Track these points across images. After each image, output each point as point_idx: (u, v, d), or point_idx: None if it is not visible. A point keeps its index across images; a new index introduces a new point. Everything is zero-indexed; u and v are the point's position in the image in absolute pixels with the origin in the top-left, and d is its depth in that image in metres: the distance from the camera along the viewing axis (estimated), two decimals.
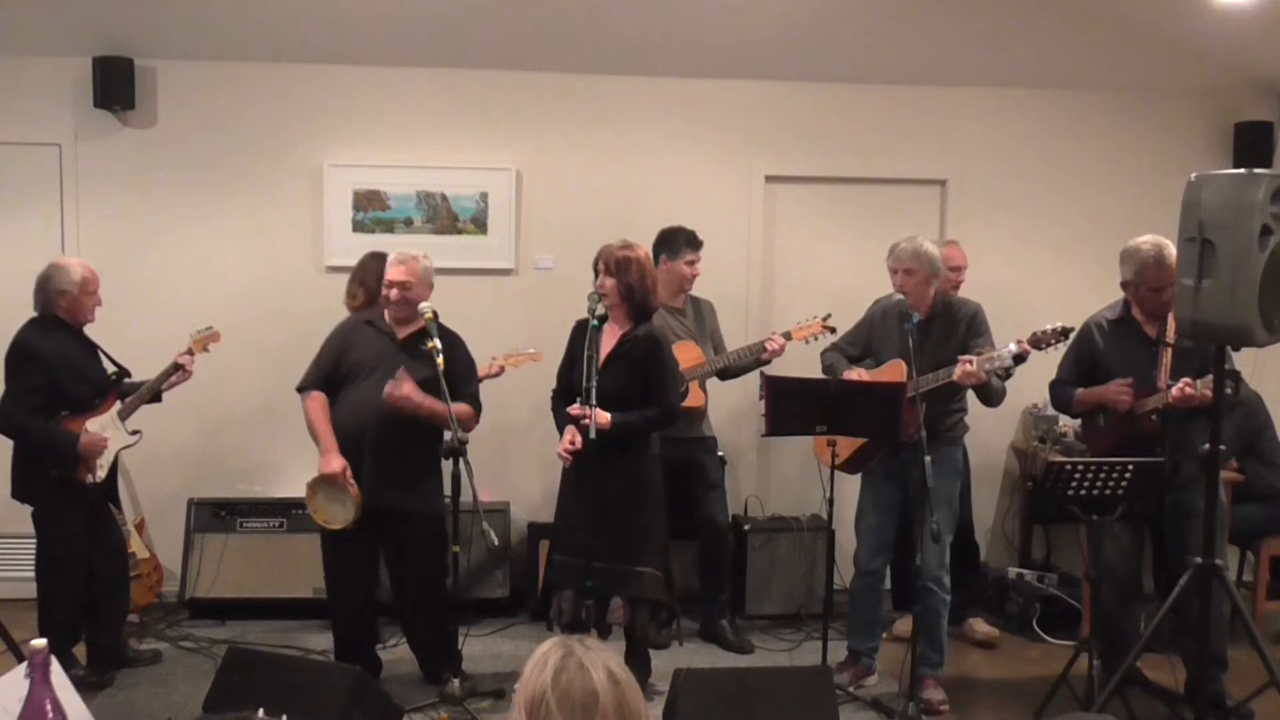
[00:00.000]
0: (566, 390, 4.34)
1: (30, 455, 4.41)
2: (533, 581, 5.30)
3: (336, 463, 4.27)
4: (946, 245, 5.18)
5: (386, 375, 4.29)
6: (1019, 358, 4.25)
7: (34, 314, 4.47)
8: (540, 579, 4.79)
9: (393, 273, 4.41)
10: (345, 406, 4.39)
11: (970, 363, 4.23)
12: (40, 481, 4.39)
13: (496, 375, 5.08)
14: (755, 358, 5.06)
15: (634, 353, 4.27)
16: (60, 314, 4.43)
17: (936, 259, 4.45)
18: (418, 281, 4.41)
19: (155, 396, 4.69)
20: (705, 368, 5.04)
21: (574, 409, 4.10)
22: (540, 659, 1.68)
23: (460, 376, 4.42)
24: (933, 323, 4.44)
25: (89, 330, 4.58)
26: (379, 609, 4.67)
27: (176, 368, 4.66)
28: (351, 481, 4.27)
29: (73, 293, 4.42)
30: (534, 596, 5.24)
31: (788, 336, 5.02)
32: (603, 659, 1.67)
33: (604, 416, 4.04)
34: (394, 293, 4.39)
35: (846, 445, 4.49)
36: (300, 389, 4.47)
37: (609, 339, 4.29)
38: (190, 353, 4.70)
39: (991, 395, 4.43)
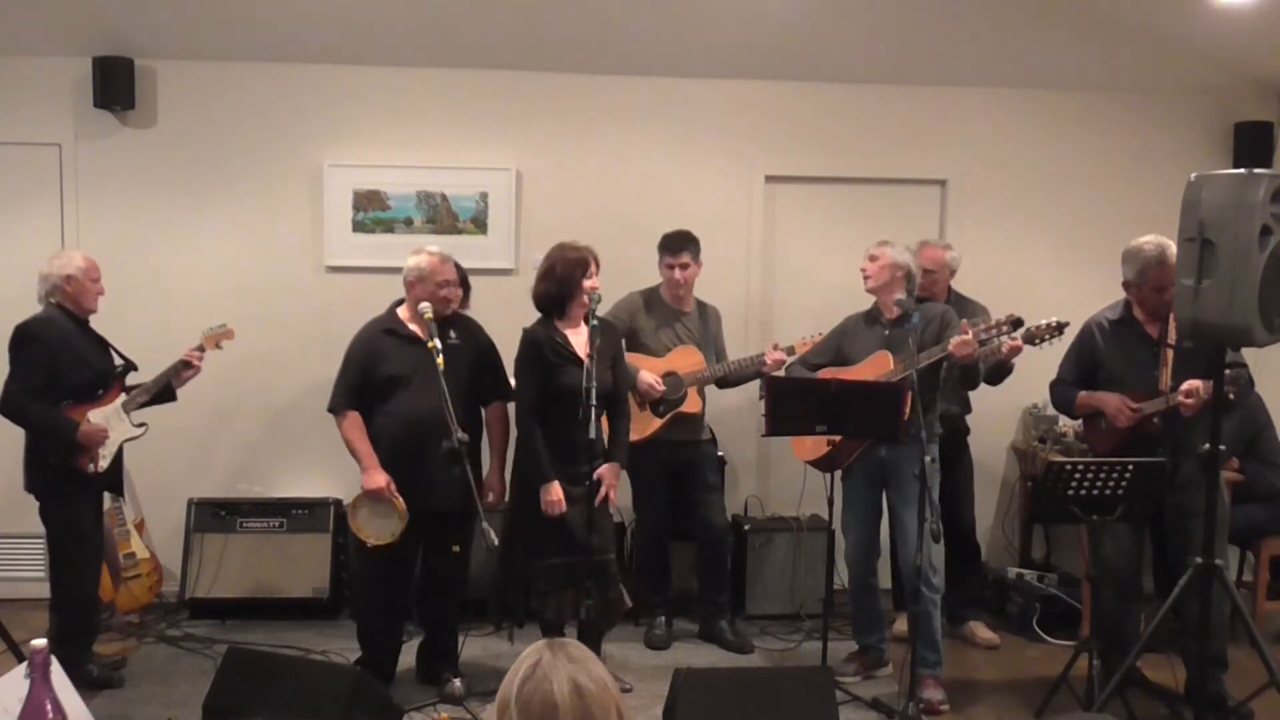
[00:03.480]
0: (536, 403, 4.24)
1: (34, 443, 4.42)
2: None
3: (381, 478, 4.25)
4: (925, 248, 5.11)
5: (429, 379, 4.21)
6: (1016, 322, 4.35)
7: (38, 308, 4.49)
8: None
9: (452, 272, 4.43)
10: (395, 420, 4.32)
11: (966, 333, 4.27)
12: (44, 471, 4.40)
13: None
14: (755, 369, 5.06)
15: (608, 338, 4.36)
16: (66, 303, 4.46)
17: (901, 261, 4.52)
18: None
19: (169, 394, 4.71)
20: (705, 374, 5.04)
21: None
22: (516, 664, 1.68)
23: (494, 368, 4.56)
24: (900, 324, 4.45)
25: (97, 327, 4.60)
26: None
27: (186, 365, 4.67)
28: (397, 495, 4.26)
29: (78, 277, 4.46)
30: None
31: (790, 351, 5.01)
32: (571, 670, 1.65)
33: (612, 485, 4.28)
34: (454, 291, 4.44)
35: (820, 441, 4.49)
36: (333, 409, 4.41)
37: (579, 336, 4.29)
38: (201, 349, 4.72)
39: (976, 374, 4.49)
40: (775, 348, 5.02)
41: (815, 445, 4.52)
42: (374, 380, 4.36)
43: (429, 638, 4.63)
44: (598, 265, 4.33)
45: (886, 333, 4.52)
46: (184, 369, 4.67)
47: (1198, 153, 5.89)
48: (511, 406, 4.55)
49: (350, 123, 5.71)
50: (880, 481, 4.55)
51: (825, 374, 4.58)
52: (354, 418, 4.36)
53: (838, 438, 4.39)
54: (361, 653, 4.54)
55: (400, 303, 4.50)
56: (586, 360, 4.14)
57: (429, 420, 4.20)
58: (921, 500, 4.12)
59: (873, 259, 4.57)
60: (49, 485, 4.42)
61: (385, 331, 4.43)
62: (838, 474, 4.52)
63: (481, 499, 4.33)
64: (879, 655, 4.71)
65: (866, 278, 4.59)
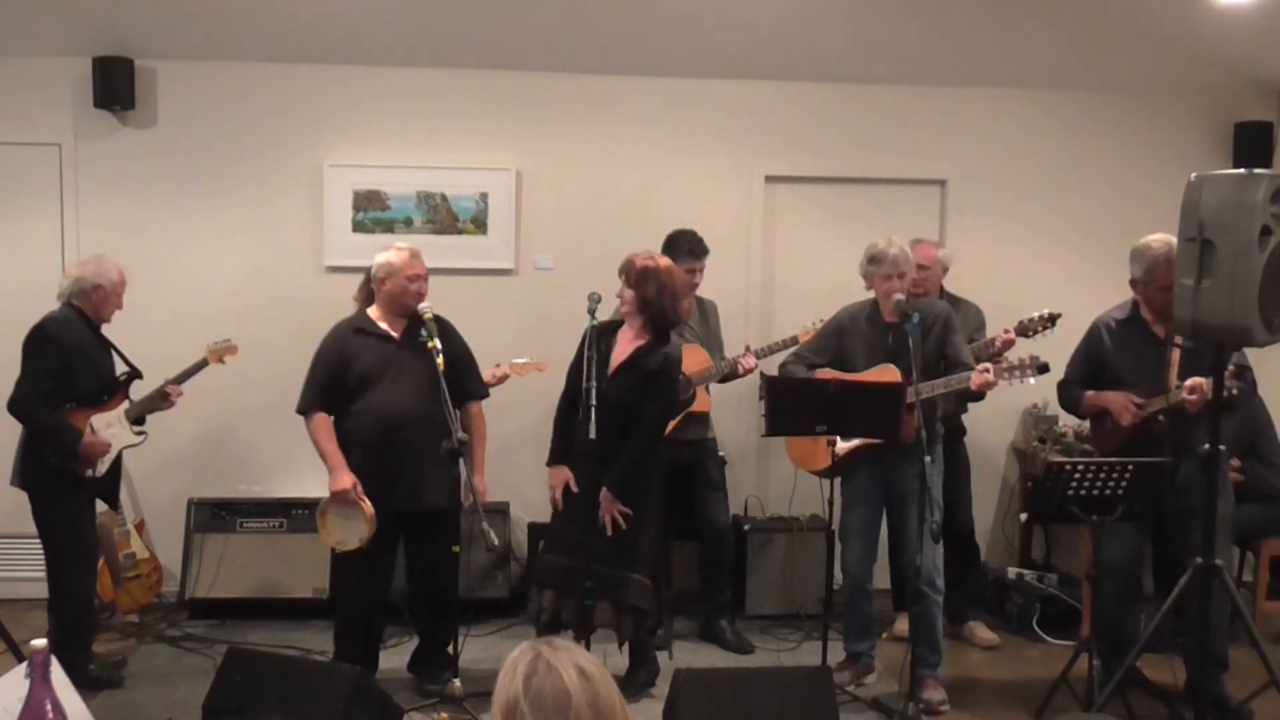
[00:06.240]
0: (573, 393, 4.34)
1: (34, 443, 4.42)
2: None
3: (347, 479, 4.22)
4: (920, 245, 5.01)
5: (399, 377, 4.29)
6: (1042, 367, 4.25)
7: (56, 304, 4.49)
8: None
9: (422, 266, 4.41)
10: (367, 418, 4.31)
11: (989, 371, 4.20)
12: (39, 469, 4.40)
13: (499, 382, 5.05)
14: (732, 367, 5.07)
15: (647, 366, 4.25)
16: (86, 307, 4.47)
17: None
18: None
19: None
20: (711, 371, 5.04)
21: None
22: (510, 666, 1.68)
23: (469, 369, 4.45)
24: (902, 326, 4.39)
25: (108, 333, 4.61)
26: (389, 611, 4.65)
27: (164, 397, 4.69)
28: (364, 497, 4.21)
29: (106, 289, 4.48)
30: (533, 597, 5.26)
31: (795, 340, 5.02)
32: (571, 657, 1.67)
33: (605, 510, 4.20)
34: (425, 286, 4.40)
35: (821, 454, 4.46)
36: (302, 411, 4.38)
37: (624, 345, 4.30)
38: (191, 373, 4.77)
39: (981, 396, 4.47)
40: (748, 349, 5.06)
41: (817, 457, 4.45)
42: (345, 381, 4.33)
43: (423, 638, 4.61)
44: (632, 279, 4.28)
45: (890, 336, 4.37)
46: (160, 400, 4.69)
47: (1198, 153, 5.89)
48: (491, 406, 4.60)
49: (350, 123, 5.71)
50: (884, 485, 4.50)
51: (823, 374, 4.52)
52: (322, 419, 4.34)
53: (840, 452, 4.35)
54: (335, 652, 4.48)
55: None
56: (585, 363, 4.13)
57: (402, 419, 4.24)
58: (922, 500, 4.12)
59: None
60: (42, 484, 4.41)
61: (356, 331, 4.40)
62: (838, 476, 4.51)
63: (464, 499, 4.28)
64: (869, 664, 4.67)
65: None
